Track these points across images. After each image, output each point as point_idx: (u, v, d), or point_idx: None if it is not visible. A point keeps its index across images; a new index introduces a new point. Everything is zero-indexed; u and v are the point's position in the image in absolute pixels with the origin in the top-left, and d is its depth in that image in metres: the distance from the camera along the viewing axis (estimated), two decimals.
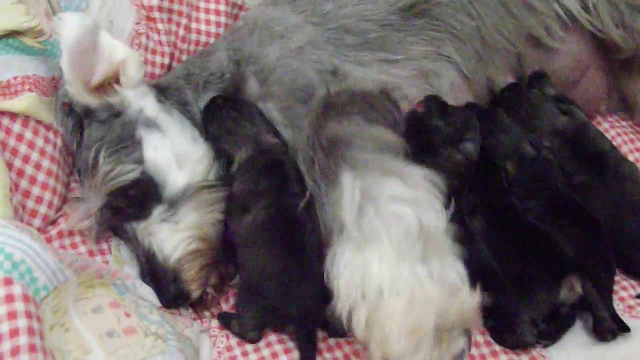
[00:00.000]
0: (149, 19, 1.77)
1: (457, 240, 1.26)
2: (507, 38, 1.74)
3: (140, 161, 1.45)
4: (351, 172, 1.25)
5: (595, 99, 1.89)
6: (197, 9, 1.84)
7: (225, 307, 1.49)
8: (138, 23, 1.74)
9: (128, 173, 1.43)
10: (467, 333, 1.19)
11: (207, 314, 1.45)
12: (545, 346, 1.40)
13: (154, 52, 1.76)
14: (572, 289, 1.40)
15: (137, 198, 1.44)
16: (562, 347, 1.42)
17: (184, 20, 1.81)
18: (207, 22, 1.84)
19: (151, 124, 1.50)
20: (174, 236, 1.42)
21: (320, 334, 1.38)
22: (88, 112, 1.49)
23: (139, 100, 1.52)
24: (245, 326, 1.37)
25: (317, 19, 1.65)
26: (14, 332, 1.04)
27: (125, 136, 1.47)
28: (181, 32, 1.81)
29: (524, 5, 1.74)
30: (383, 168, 1.26)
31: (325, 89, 1.49)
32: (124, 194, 1.43)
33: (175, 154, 1.48)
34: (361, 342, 1.22)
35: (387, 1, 1.68)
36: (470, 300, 1.18)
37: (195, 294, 1.40)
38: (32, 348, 1.03)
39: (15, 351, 1.02)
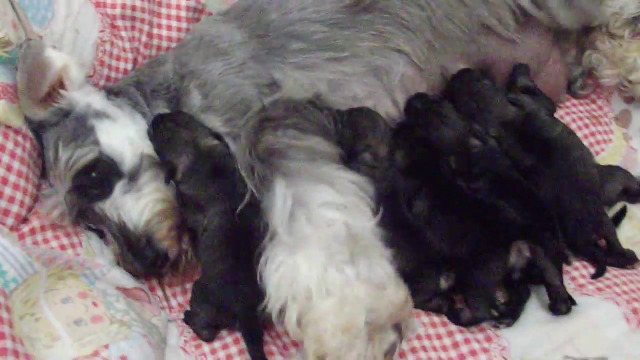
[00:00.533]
0: (113, 26, 1.81)
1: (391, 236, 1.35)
2: (459, 27, 1.76)
3: (96, 143, 1.53)
4: (284, 180, 1.34)
5: (554, 90, 1.94)
6: (159, 15, 1.89)
7: None
8: (102, 31, 1.78)
9: (87, 154, 1.50)
10: (398, 328, 1.29)
11: (174, 303, 1.53)
12: (508, 325, 1.45)
13: (117, 58, 1.81)
14: (520, 254, 1.45)
15: (100, 177, 1.50)
16: (515, 325, 1.46)
17: (146, 27, 1.86)
18: (169, 27, 1.90)
19: (101, 114, 1.58)
20: (138, 203, 1.49)
21: None
22: (41, 124, 1.56)
23: (86, 98, 1.59)
24: (197, 325, 1.43)
25: (262, 30, 1.69)
26: None
27: (78, 127, 1.55)
28: (144, 38, 1.87)
29: None
30: (314, 176, 1.35)
31: (261, 103, 1.52)
32: (87, 175, 1.49)
33: (127, 135, 1.57)
34: (295, 339, 1.30)
35: (334, 0, 1.71)
36: (397, 296, 1.27)
37: (172, 251, 1.47)
38: (1, 335, 1.10)
39: None
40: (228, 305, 1.39)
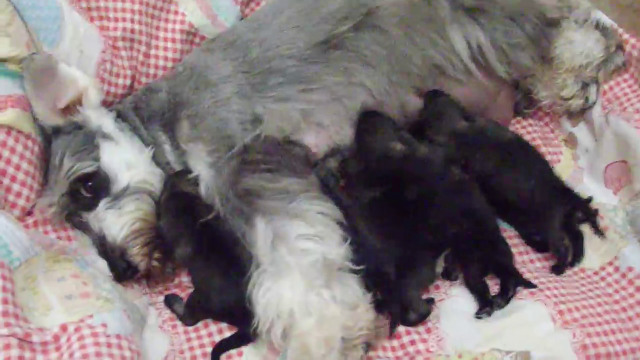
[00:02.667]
0: (114, 47, 1.95)
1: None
2: (415, 65, 1.87)
3: (97, 159, 1.69)
4: (263, 217, 1.53)
5: (505, 118, 2.08)
6: (157, 37, 2.03)
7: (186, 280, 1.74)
8: (104, 51, 1.91)
9: (87, 167, 1.67)
10: (369, 342, 1.51)
11: (156, 288, 1.71)
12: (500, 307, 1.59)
13: (117, 75, 1.95)
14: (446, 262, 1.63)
15: (93, 188, 1.67)
16: (451, 317, 1.60)
17: (143, 48, 2.00)
18: (165, 48, 2.04)
19: (107, 137, 1.74)
20: (119, 219, 1.65)
21: None
22: (56, 129, 1.73)
23: (99, 119, 1.77)
24: (177, 311, 1.64)
25: (246, 66, 1.80)
26: None
27: (86, 142, 1.71)
28: (141, 57, 2.00)
29: (427, 40, 1.87)
30: (289, 213, 1.53)
31: (243, 142, 1.66)
32: (83, 184, 1.66)
33: (125, 159, 1.73)
34: (279, 349, 1.49)
35: (306, 39, 1.81)
36: (367, 315, 1.49)
37: (142, 266, 1.64)
38: (5, 300, 1.29)
39: None
40: (211, 306, 1.60)
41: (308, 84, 1.80)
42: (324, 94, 1.81)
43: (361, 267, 1.53)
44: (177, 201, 1.71)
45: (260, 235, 1.52)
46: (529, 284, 1.63)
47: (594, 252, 1.79)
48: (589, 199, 1.82)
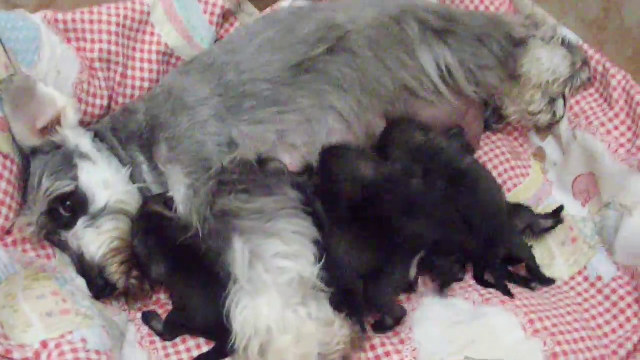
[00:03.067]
0: (91, 68, 1.97)
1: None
2: (385, 87, 1.90)
3: (75, 179, 1.71)
4: (241, 237, 1.55)
5: (475, 135, 2.11)
6: (133, 58, 2.06)
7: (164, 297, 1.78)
8: (82, 72, 1.94)
9: (65, 187, 1.68)
10: (345, 355, 1.55)
11: (135, 306, 1.73)
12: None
13: (94, 95, 1.97)
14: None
15: (71, 208, 1.69)
16: (424, 326, 1.62)
17: (120, 69, 2.02)
18: (142, 69, 2.07)
19: (85, 157, 1.76)
20: (97, 238, 1.67)
21: None
22: (34, 150, 1.75)
23: (77, 139, 1.79)
24: (155, 327, 1.67)
25: (222, 89, 1.83)
26: None
27: (64, 162, 1.73)
28: (118, 78, 2.03)
29: (397, 61, 1.91)
30: (264, 232, 1.56)
31: (221, 164, 1.67)
32: (61, 203, 1.68)
33: (103, 179, 1.75)
34: None
35: (280, 62, 1.85)
36: (342, 331, 1.53)
37: (120, 284, 1.66)
38: None
39: None
40: (192, 324, 1.63)
41: (282, 107, 1.83)
42: (297, 116, 1.84)
43: (331, 287, 1.57)
44: (148, 221, 1.73)
45: (238, 254, 1.54)
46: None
47: (564, 262, 1.84)
48: (560, 208, 1.89)
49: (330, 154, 1.82)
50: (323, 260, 1.56)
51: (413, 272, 1.67)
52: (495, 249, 1.76)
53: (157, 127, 1.81)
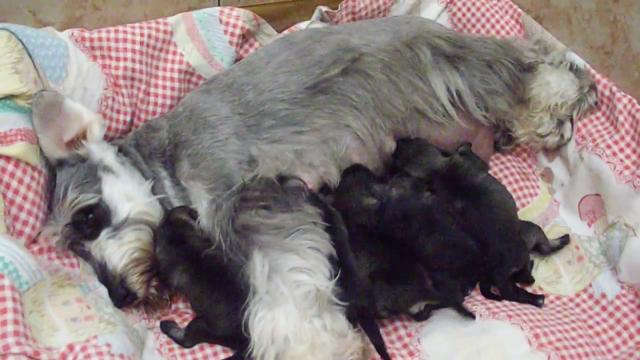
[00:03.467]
0: (115, 85, 2.03)
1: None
2: (398, 108, 1.95)
3: (99, 192, 1.77)
4: (260, 251, 1.61)
5: (484, 156, 2.11)
6: (156, 76, 2.12)
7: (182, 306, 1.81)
8: (106, 88, 1.99)
9: (89, 199, 1.74)
10: None
11: (154, 315, 1.78)
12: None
13: (118, 111, 2.04)
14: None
15: (94, 220, 1.74)
16: (432, 337, 1.66)
17: (143, 86, 2.08)
18: (164, 87, 2.13)
19: (108, 169, 1.82)
20: (120, 249, 1.72)
21: None
22: (60, 162, 1.80)
23: (101, 153, 1.84)
24: (174, 335, 1.71)
25: (242, 108, 1.89)
26: (3, 311, 1.36)
27: (88, 175, 1.79)
28: (141, 95, 2.09)
29: (409, 84, 1.95)
30: (282, 247, 1.61)
31: (242, 181, 1.72)
32: (85, 215, 1.73)
33: (125, 192, 1.80)
34: None
35: (297, 82, 1.90)
36: (355, 343, 1.58)
37: (140, 293, 1.70)
38: (16, 322, 1.36)
39: (3, 323, 1.35)
40: (213, 331, 1.67)
41: (299, 126, 1.88)
42: (314, 136, 1.89)
43: (346, 302, 1.61)
44: (173, 229, 1.78)
45: (257, 267, 1.59)
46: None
47: (570, 280, 1.87)
48: (566, 237, 1.93)
49: (342, 182, 1.89)
50: (337, 277, 1.61)
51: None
52: (505, 264, 1.79)
53: (179, 144, 1.86)
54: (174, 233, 1.77)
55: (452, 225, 1.80)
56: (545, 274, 1.90)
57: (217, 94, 1.95)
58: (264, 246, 1.61)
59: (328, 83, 1.92)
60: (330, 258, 1.64)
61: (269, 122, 1.88)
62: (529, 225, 1.93)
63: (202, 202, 1.78)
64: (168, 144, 1.88)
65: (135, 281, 1.70)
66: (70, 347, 1.42)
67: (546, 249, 1.91)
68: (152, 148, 1.90)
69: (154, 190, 1.87)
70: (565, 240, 1.93)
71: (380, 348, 1.61)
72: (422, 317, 1.72)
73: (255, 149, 1.84)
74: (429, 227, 1.78)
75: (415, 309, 1.70)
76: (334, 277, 1.61)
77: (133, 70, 2.07)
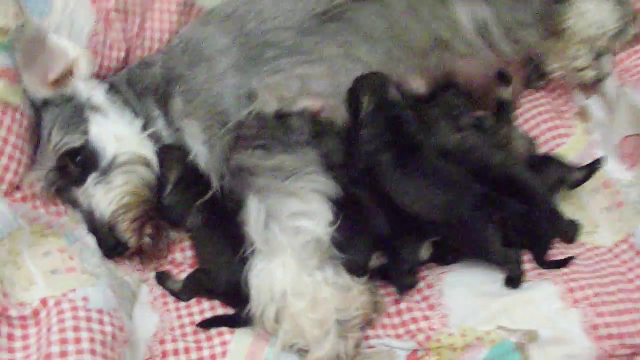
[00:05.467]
0: (107, 19, 1.93)
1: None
2: (418, 39, 1.82)
3: (85, 133, 1.69)
4: (256, 196, 1.53)
5: (515, 95, 2.03)
6: (152, 9, 2.01)
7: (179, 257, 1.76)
8: (97, 22, 1.89)
9: (75, 141, 1.66)
10: (368, 323, 1.52)
11: (149, 266, 1.71)
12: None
13: (111, 47, 1.93)
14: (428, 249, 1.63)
15: (81, 164, 1.66)
16: (455, 292, 1.59)
17: (137, 20, 1.98)
18: (161, 20, 2.01)
19: (96, 108, 1.74)
20: (107, 194, 1.64)
21: None
22: (45, 102, 1.72)
23: (89, 91, 1.76)
24: (170, 286, 1.65)
25: (243, 38, 1.79)
26: None
27: (74, 115, 1.71)
28: (135, 29, 1.98)
29: (431, 12, 1.83)
30: (281, 190, 1.53)
31: (238, 117, 1.65)
32: (71, 158, 1.65)
33: (114, 132, 1.72)
34: (270, 332, 1.49)
35: (304, 9, 1.80)
36: (361, 297, 1.50)
37: (131, 242, 1.63)
38: None
39: None
40: (215, 285, 1.60)
41: (305, 56, 1.78)
42: (322, 67, 1.78)
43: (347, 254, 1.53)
44: (182, 168, 1.72)
45: (253, 214, 1.52)
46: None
47: (608, 228, 1.78)
48: (597, 162, 1.80)
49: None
50: (337, 224, 1.52)
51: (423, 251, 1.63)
52: (537, 230, 1.69)
53: (172, 80, 1.77)
54: (185, 174, 1.71)
55: None
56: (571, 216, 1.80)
57: (216, 24, 1.85)
58: (259, 190, 1.54)
59: (339, 10, 1.80)
60: (334, 201, 1.56)
61: (271, 53, 1.78)
62: (547, 160, 1.84)
63: (197, 143, 1.71)
64: (161, 80, 1.80)
65: (126, 229, 1.62)
66: (44, 302, 1.36)
67: (570, 182, 1.79)
68: (144, 85, 1.82)
69: (146, 131, 1.79)
70: (594, 165, 1.80)
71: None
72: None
73: (256, 82, 1.74)
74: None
75: None
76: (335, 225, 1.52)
77: (126, 2, 1.96)
